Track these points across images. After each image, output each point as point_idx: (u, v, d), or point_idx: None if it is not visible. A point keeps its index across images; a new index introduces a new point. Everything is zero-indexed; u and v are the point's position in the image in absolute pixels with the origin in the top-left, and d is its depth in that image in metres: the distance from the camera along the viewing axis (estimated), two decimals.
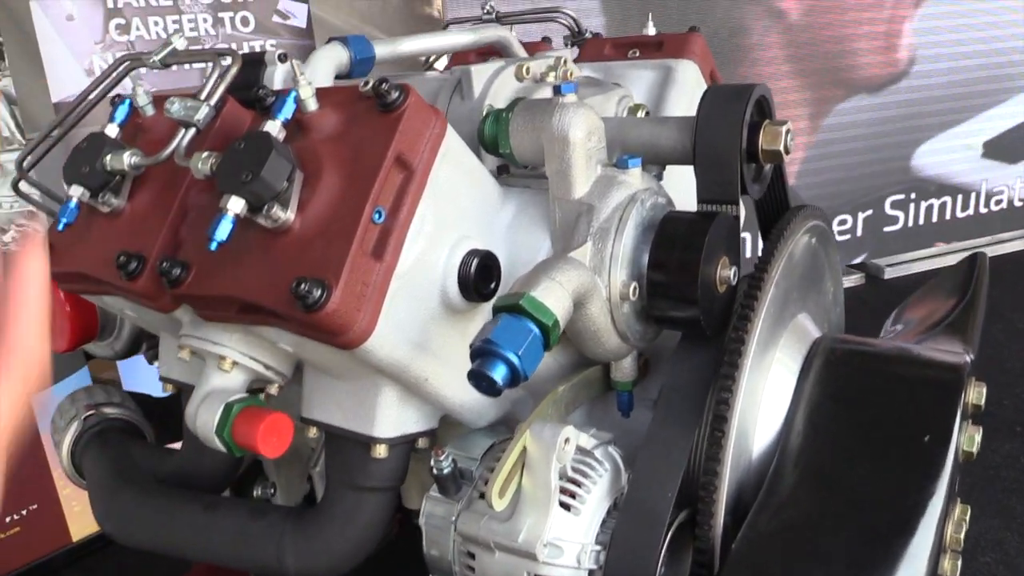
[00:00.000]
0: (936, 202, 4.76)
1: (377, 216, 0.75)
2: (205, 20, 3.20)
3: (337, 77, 1.00)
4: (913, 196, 4.69)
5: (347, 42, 0.99)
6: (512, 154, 0.88)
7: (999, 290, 4.20)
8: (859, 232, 4.68)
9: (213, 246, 0.74)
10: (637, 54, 1.27)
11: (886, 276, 4.72)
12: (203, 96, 0.86)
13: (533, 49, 1.37)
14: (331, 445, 0.91)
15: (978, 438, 0.90)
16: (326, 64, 0.97)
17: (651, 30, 1.30)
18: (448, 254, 0.81)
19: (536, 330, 0.70)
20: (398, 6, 4.28)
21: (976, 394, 0.92)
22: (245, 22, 3.29)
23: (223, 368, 0.87)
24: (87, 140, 0.91)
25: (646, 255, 0.83)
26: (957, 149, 4.50)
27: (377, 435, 0.85)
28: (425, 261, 0.79)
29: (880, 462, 0.83)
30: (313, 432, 0.91)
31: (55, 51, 2.92)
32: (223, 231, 0.74)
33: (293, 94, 0.78)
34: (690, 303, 0.81)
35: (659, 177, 0.97)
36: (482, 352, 0.68)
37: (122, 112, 0.92)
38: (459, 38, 1.12)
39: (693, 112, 1.20)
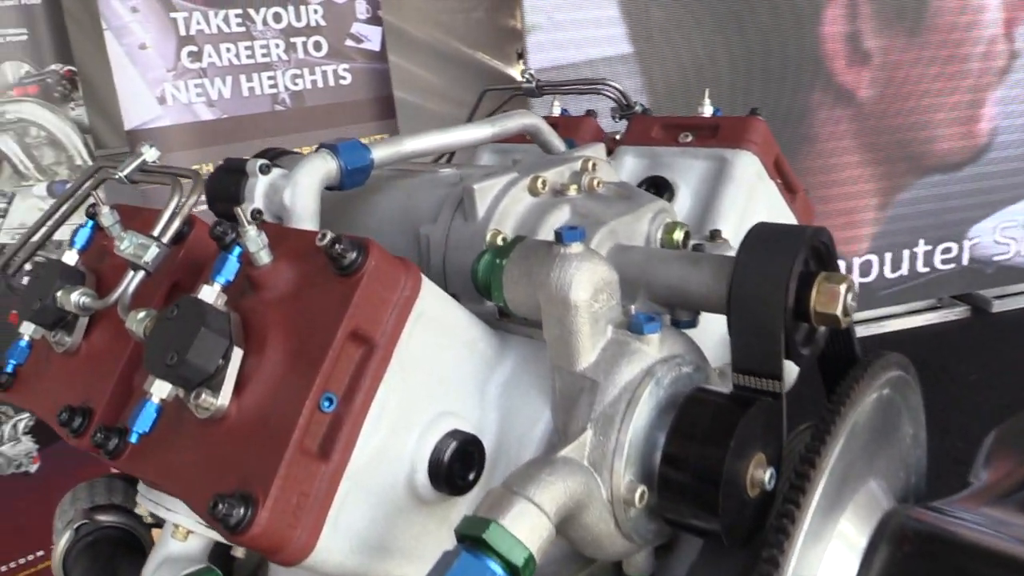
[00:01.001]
0: None
1: (327, 404, 0.63)
2: (277, 45, 3.17)
3: (328, 188, 0.88)
4: None
5: (337, 151, 0.87)
6: (507, 306, 0.74)
7: None
8: (965, 261, 4.34)
9: (133, 438, 0.63)
10: (689, 139, 1.10)
11: (994, 309, 4.36)
12: (156, 231, 0.76)
13: (575, 125, 1.23)
14: None
15: None
16: (310, 180, 0.85)
17: (707, 109, 1.13)
18: (418, 439, 0.68)
19: (501, 573, 0.56)
20: (481, 19, 4.18)
21: None
22: (318, 47, 3.24)
23: (177, 536, 0.77)
24: (43, 269, 0.82)
25: (660, 445, 0.67)
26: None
27: None
28: (387, 452, 0.66)
29: None
30: None
31: (128, 80, 2.94)
32: (144, 422, 0.63)
33: (236, 251, 0.67)
34: (710, 514, 0.65)
35: (693, 324, 0.81)
36: None
37: (83, 236, 0.83)
38: (475, 132, 0.98)
39: (751, 214, 1.03)
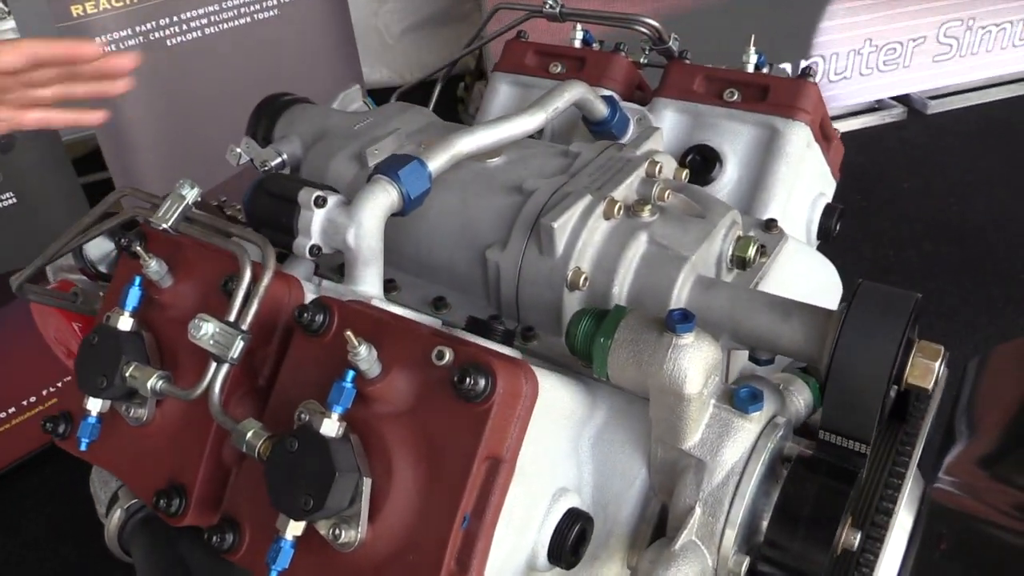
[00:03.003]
0: (995, 29, 4.38)
1: (462, 523, 0.64)
2: None
3: (394, 214, 0.82)
4: (971, 23, 4.31)
5: (398, 179, 0.80)
6: (609, 380, 0.74)
7: None
8: (907, 62, 4.37)
9: (273, 575, 0.64)
10: (735, 97, 1.04)
11: (929, 111, 4.46)
12: (232, 318, 0.70)
13: (604, 63, 1.14)
14: None
15: None
16: (373, 216, 0.78)
17: (752, 59, 1.06)
18: (539, 528, 0.70)
19: None
20: None
21: None
22: None
23: None
24: (98, 337, 0.76)
25: (763, 515, 0.72)
26: None
27: None
28: (515, 550, 0.68)
29: None
30: None
31: None
32: (283, 560, 0.63)
33: (351, 376, 0.63)
34: None
35: (771, 362, 0.82)
36: None
37: (134, 297, 0.76)
38: (529, 122, 0.90)
39: (799, 184, 1.02)
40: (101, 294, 1.01)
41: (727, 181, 1.03)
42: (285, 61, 2.89)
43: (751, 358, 0.83)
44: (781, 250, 0.93)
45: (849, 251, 3.33)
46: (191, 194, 0.77)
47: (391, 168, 0.80)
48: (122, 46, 2.60)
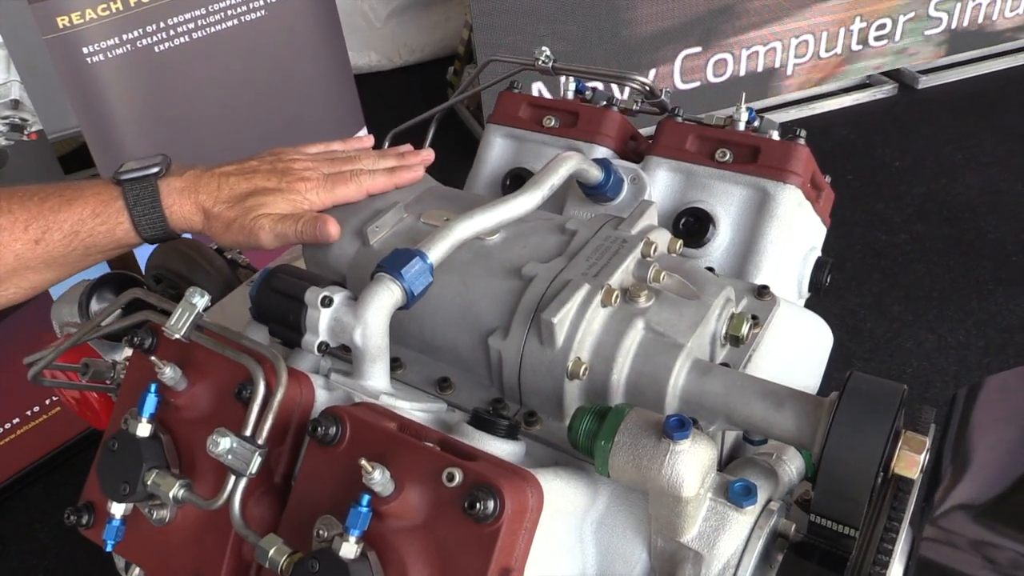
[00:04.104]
0: (984, 1, 4.37)
1: None
2: None
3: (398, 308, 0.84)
4: None
5: (401, 276, 0.82)
6: (611, 478, 0.77)
7: None
8: (898, 37, 4.36)
9: None
10: (727, 157, 1.06)
11: (920, 86, 4.45)
12: (248, 432, 0.73)
13: (597, 119, 1.15)
14: None
15: None
16: (378, 317, 0.81)
17: (743, 116, 1.08)
18: None
19: None
20: None
21: None
22: None
23: None
24: (118, 443, 0.79)
25: None
26: None
27: None
28: None
29: None
30: None
31: None
32: None
33: (366, 500, 0.67)
34: None
35: (765, 441, 0.86)
36: None
37: (151, 404, 0.79)
38: (528, 200, 0.92)
39: (790, 243, 1.05)
40: (111, 362, 1.04)
41: (720, 243, 1.05)
42: (273, 58, 2.88)
43: (744, 437, 0.86)
44: (773, 318, 0.96)
45: (841, 236, 3.36)
46: (201, 302, 0.79)
47: (394, 267, 0.82)
48: (110, 55, 2.58)
